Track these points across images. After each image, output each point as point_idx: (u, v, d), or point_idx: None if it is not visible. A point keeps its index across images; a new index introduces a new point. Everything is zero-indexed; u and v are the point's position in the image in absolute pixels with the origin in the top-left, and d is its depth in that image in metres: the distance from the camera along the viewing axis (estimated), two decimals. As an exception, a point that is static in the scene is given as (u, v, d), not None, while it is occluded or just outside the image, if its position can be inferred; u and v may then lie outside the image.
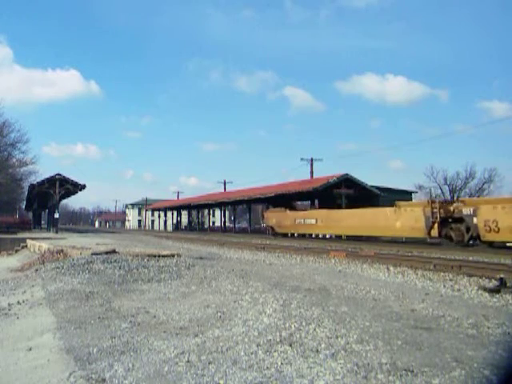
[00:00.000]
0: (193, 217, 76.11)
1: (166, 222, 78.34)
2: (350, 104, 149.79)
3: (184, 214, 75.03)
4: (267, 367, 3.60)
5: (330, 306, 5.84)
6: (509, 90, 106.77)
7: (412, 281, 9.03)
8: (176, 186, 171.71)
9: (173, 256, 11.93)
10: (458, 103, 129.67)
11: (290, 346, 4.11)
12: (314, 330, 4.59)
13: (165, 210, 76.45)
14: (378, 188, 37.76)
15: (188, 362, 3.80)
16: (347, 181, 36.50)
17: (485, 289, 7.63)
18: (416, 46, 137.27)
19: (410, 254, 15.71)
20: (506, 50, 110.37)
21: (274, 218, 37.00)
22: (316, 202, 42.97)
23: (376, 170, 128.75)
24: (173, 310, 6.00)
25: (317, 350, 3.95)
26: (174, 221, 75.00)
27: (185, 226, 74.20)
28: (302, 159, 46.91)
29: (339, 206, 36.72)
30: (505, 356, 3.79)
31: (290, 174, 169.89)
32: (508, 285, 7.77)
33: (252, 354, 3.95)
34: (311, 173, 46.04)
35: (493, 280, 8.43)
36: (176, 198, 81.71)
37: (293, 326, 4.76)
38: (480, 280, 8.79)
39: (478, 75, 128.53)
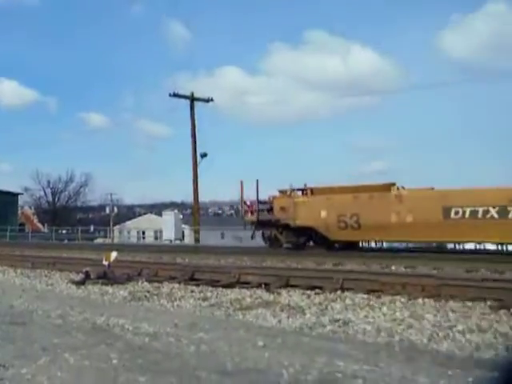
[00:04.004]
0: None
1: None
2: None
3: None
4: None
5: None
6: (103, 103, 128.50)
7: (12, 278, 9.06)
8: None
9: None
10: (65, 111, 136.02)
11: None
12: None
13: None
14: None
15: None
16: None
17: (73, 282, 8.56)
18: (30, 53, 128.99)
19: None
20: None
21: None
22: None
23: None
24: None
25: None
26: None
27: None
28: None
29: None
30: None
31: None
32: (92, 277, 9.12)
33: None
34: None
35: (80, 273, 9.60)
36: None
37: None
38: (70, 274, 9.56)
39: (80, 86, 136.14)
